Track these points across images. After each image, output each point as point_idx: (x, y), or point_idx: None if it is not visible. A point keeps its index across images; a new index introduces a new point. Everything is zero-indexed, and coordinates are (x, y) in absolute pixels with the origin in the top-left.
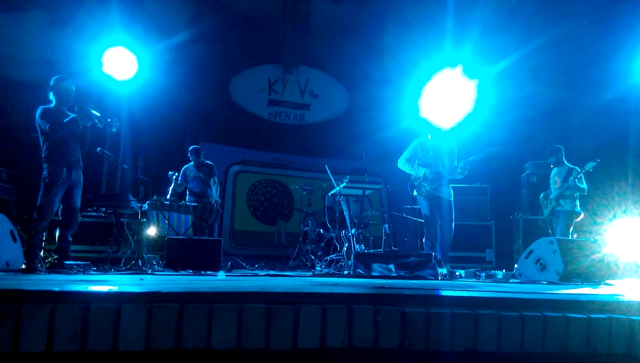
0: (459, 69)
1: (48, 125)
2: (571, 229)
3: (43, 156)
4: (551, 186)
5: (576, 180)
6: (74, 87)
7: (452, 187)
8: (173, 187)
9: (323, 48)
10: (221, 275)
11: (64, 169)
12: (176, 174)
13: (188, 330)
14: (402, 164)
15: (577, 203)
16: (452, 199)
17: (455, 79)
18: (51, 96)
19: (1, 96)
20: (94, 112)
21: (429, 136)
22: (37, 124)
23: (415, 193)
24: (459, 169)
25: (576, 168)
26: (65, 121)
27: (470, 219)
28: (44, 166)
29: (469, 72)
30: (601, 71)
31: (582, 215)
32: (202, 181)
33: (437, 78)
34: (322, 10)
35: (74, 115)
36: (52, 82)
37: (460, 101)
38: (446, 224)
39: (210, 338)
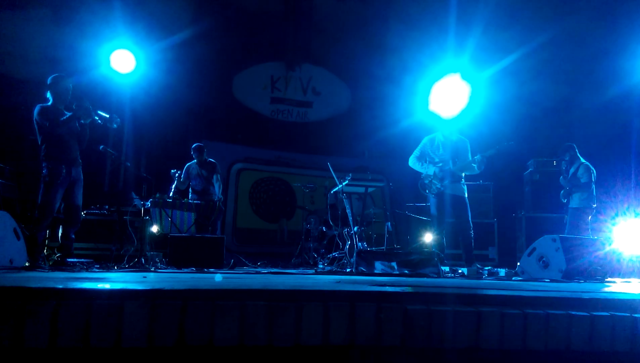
0: (462, 67)
1: (47, 123)
2: (586, 226)
3: (42, 155)
4: None
5: (578, 175)
6: (71, 86)
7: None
8: (176, 185)
9: (326, 46)
10: (218, 277)
11: (64, 167)
12: (179, 172)
13: (191, 327)
14: (412, 163)
15: (587, 198)
16: (465, 195)
17: (458, 76)
18: (48, 95)
19: (4, 94)
20: (100, 113)
21: (441, 133)
22: (34, 123)
23: (426, 191)
24: (475, 164)
25: (585, 162)
26: (63, 118)
27: (473, 217)
28: (43, 165)
29: (471, 69)
30: (604, 68)
31: (593, 210)
32: (205, 178)
33: (439, 74)
34: (324, 8)
35: (72, 112)
36: (49, 81)
37: (461, 98)
38: (464, 223)
39: (213, 336)
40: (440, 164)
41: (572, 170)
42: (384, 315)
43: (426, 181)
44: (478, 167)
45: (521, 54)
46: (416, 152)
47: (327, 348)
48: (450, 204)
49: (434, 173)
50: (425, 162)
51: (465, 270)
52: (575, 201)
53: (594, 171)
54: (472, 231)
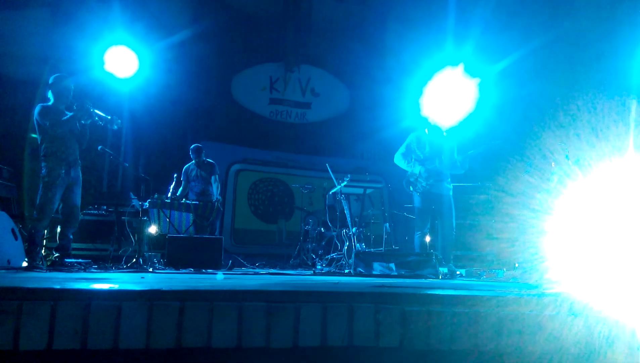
0: (460, 68)
1: (47, 123)
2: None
3: (41, 154)
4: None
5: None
6: (72, 86)
7: (453, 186)
8: (175, 189)
9: (324, 46)
10: (219, 276)
11: (63, 168)
12: (176, 175)
13: (189, 328)
14: (398, 160)
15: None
16: (450, 194)
17: (457, 78)
18: (49, 94)
19: (2, 94)
20: (97, 111)
21: (426, 130)
22: (35, 122)
23: (410, 188)
24: (458, 164)
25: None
26: (64, 118)
27: (472, 217)
28: (42, 165)
29: (470, 71)
30: (603, 69)
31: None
32: (204, 179)
33: (438, 77)
34: (323, 9)
35: (73, 113)
36: (50, 80)
37: (461, 99)
38: (446, 221)
39: (211, 336)
40: (427, 163)
41: (556, 170)
42: (382, 316)
43: (412, 179)
44: (461, 166)
45: (520, 55)
46: (402, 148)
47: (325, 349)
48: (435, 203)
49: (420, 172)
50: (412, 160)
51: (464, 271)
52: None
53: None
54: (454, 232)
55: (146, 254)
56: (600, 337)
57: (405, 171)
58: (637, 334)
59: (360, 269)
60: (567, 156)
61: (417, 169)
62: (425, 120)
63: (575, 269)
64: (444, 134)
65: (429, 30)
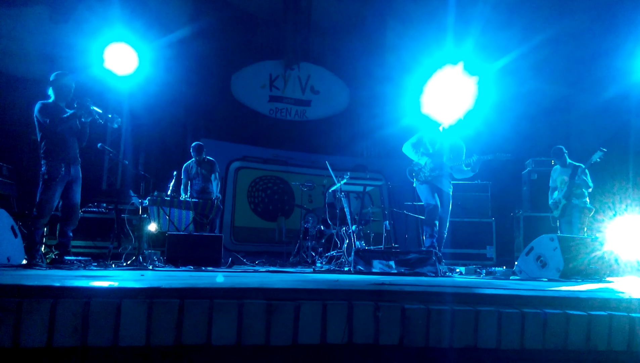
0: (460, 66)
1: (47, 120)
2: (585, 226)
3: (41, 152)
4: (555, 186)
5: (583, 176)
6: (73, 84)
7: (453, 184)
8: (176, 186)
9: (324, 44)
10: (219, 278)
11: (63, 165)
12: (175, 172)
13: (188, 325)
14: (406, 149)
15: (588, 199)
16: (450, 192)
17: (456, 76)
18: (50, 91)
19: (1, 92)
20: (95, 108)
21: (440, 128)
22: (35, 120)
23: (413, 179)
24: (468, 167)
25: (581, 165)
26: (64, 116)
27: (471, 216)
28: (42, 163)
29: (470, 69)
30: (603, 67)
31: (593, 211)
32: (204, 177)
33: (438, 75)
34: (323, 7)
35: (73, 110)
36: (52, 78)
37: (461, 97)
38: (442, 219)
39: (211, 334)
40: (435, 157)
41: (559, 171)
42: (382, 314)
43: (416, 168)
44: (472, 169)
45: (520, 54)
46: (413, 139)
47: (324, 347)
48: (437, 197)
49: (425, 163)
50: (419, 151)
51: (463, 269)
52: (582, 202)
53: None
54: (446, 230)
55: (146, 252)
56: None
57: (411, 161)
58: None
59: (360, 267)
60: (595, 156)
61: (423, 160)
62: (429, 122)
63: None
64: (456, 135)
65: (429, 28)
